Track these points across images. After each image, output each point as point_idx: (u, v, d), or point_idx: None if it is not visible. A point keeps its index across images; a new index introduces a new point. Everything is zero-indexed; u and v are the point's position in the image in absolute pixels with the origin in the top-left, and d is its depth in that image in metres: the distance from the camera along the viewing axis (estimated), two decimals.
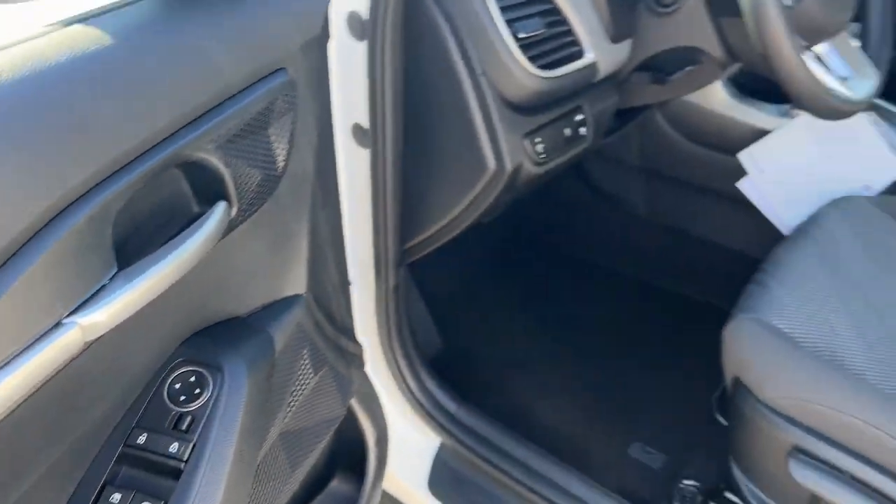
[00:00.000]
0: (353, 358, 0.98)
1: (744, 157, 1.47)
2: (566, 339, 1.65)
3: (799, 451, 1.02)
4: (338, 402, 0.89)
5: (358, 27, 0.90)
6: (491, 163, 1.01)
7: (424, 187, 1.10)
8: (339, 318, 0.92)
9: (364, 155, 1.00)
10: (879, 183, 1.37)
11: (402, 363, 1.22)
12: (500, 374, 1.57)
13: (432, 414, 1.26)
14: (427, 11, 0.95)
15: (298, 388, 0.77)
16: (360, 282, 1.06)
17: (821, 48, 1.09)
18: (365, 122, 0.97)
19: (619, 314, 1.72)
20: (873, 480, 0.97)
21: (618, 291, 1.77)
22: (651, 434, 1.44)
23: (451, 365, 1.46)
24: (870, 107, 1.36)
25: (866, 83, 1.11)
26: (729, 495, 1.24)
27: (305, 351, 0.78)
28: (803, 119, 1.42)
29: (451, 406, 1.28)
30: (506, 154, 1.00)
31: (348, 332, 0.98)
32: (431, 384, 1.27)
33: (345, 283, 0.97)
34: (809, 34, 1.02)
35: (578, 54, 1.04)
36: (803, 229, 1.24)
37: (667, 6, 1.11)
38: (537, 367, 1.58)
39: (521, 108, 1.01)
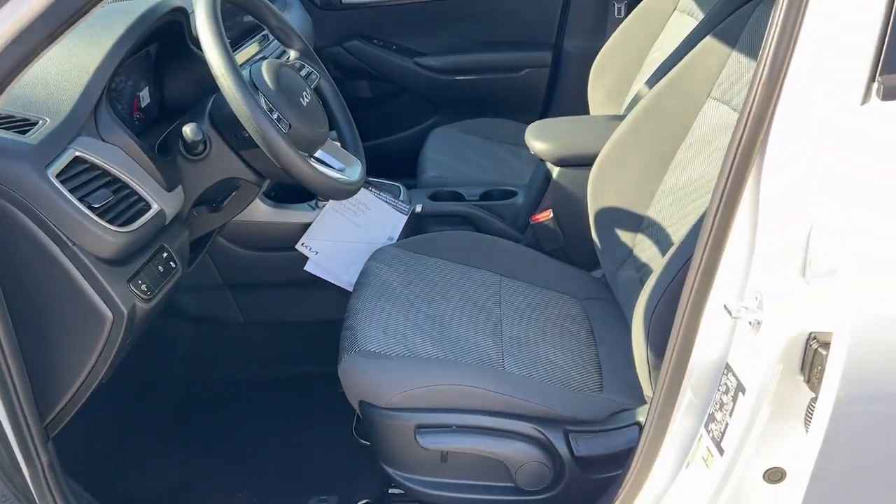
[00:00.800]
0: None
1: (299, 247, 1.84)
2: (222, 450, 1.82)
3: (420, 428, 1.37)
4: None
5: None
6: (108, 312, 1.18)
7: (52, 360, 1.20)
8: (25, 494, 0.99)
9: None
10: (396, 232, 1.87)
11: None
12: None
13: None
14: (7, 212, 1.10)
15: None
16: (23, 463, 1.13)
17: (319, 154, 1.51)
18: None
19: (252, 410, 1.94)
20: (469, 421, 1.37)
21: (248, 391, 2.00)
22: (320, 486, 1.69)
23: None
24: (367, 184, 1.85)
25: (357, 168, 1.56)
26: (393, 491, 1.56)
27: None
28: (329, 206, 1.85)
29: None
30: (118, 301, 1.19)
31: None
32: None
33: (16, 465, 1.05)
34: (307, 147, 1.42)
35: (147, 207, 1.28)
36: (360, 282, 1.64)
37: (198, 154, 1.41)
38: (202, 483, 1.72)
39: (117, 261, 1.21)
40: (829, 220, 0.93)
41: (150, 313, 1.29)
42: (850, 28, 0.88)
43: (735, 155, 0.97)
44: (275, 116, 1.34)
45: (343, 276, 1.81)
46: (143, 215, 1.26)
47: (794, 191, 0.94)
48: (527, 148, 1.92)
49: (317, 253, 1.82)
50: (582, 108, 2.30)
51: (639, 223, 1.59)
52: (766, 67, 0.92)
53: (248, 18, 1.88)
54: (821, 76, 0.90)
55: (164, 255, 1.33)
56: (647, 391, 1.36)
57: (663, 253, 1.49)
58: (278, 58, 1.60)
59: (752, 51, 1.43)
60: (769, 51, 0.91)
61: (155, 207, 1.29)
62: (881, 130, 0.89)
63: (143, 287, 1.24)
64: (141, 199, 1.27)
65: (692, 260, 1.06)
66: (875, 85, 0.89)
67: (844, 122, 0.91)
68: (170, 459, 1.78)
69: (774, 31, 0.91)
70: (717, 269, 1.03)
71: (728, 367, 1.08)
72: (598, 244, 1.68)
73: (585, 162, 1.71)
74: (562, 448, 1.35)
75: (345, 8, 2.60)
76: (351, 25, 2.64)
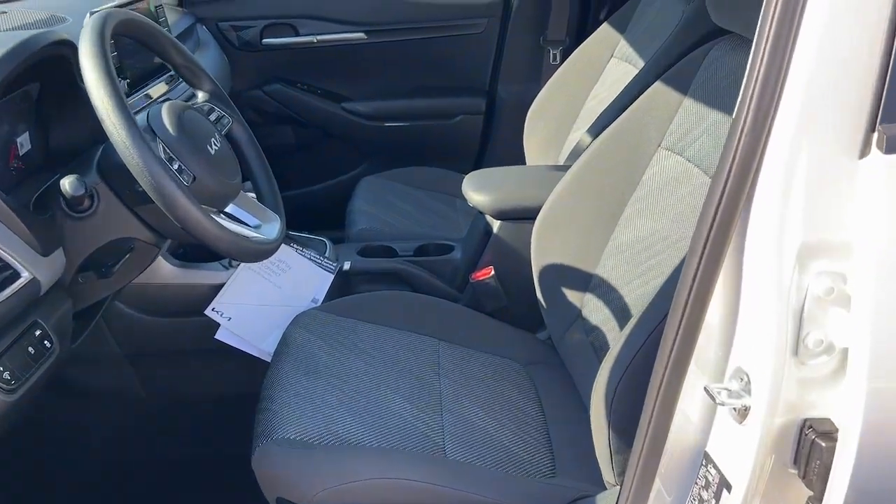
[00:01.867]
0: None
1: (209, 312, 1.63)
2: None
3: None
4: None
5: None
6: None
7: None
8: None
9: None
10: (321, 293, 1.68)
11: None
12: None
13: None
14: None
15: None
16: None
17: (230, 209, 1.31)
18: None
19: (156, 497, 1.71)
20: None
21: (151, 475, 1.76)
22: None
23: None
24: (288, 239, 1.67)
25: (275, 225, 1.38)
26: None
27: None
28: (245, 265, 1.66)
29: None
30: None
31: None
32: None
33: None
34: (215, 202, 1.23)
35: (15, 276, 1.06)
36: (279, 351, 1.46)
37: (83, 211, 1.20)
38: None
39: None
40: (825, 288, 0.81)
41: (20, 405, 1.07)
42: (845, 71, 0.77)
43: (715, 214, 0.84)
44: (175, 167, 1.15)
45: (260, 344, 1.62)
46: (9, 286, 1.04)
47: (784, 256, 0.81)
48: (462, 198, 1.80)
49: (230, 319, 1.62)
50: (518, 155, 2.20)
51: (587, 282, 1.47)
52: (750, 116, 0.80)
53: None
54: (812, 126, 0.79)
55: (38, 332, 1.11)
56: (607, 477, 1.20)
57: (616, 315, 1.37)
58: (187, 100, 1.42)
59: (708, 98, 1.33)
60: (752, 97, 0.79)
61: (25, 276, 1.07)
62: (883, 186, 0.78)
63: (7, 375, 1.02)
64: (7, 266, 1.05)
65: (665, 335, 0.92)
66: (875, 135, 0.77)
67: (841, 178, 0.79)
68: None
69: (757, 76, 0.79)
70: (695, 345, 0.90)
71: (707, 458, 0.93)
72: (544, 304, 1.55)
73: (528, 215, 1.61)
74: None
75: (265, 49, 2.44)
76: (272, 68, 2.49)
